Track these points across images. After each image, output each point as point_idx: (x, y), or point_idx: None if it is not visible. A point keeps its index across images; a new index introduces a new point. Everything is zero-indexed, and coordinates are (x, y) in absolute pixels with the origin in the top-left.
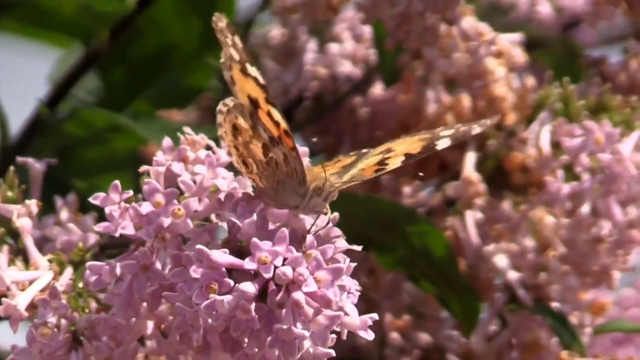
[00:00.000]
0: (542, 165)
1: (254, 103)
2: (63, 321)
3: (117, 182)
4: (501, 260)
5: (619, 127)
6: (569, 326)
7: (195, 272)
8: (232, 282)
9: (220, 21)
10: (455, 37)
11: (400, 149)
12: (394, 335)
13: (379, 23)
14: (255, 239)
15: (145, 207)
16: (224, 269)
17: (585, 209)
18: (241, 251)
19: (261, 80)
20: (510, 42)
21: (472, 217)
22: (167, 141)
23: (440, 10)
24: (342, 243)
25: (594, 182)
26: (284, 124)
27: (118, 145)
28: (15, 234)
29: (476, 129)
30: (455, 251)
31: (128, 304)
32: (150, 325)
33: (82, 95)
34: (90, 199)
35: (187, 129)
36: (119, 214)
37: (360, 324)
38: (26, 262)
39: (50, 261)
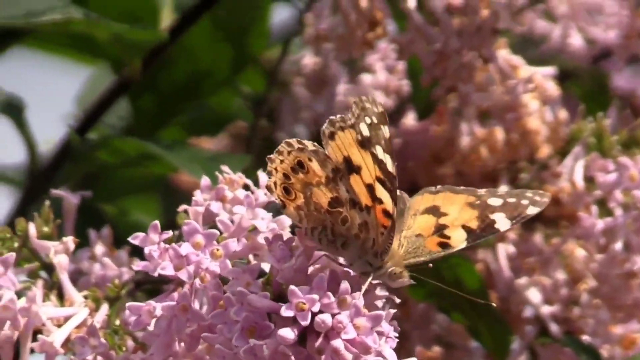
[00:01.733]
0: (575, 200)
1: (351, 167)
2: (99, 359)
3: (156, 222)
4: (533, 293)
5: None
6: (600, 359)
7: (236, 314)
8: (272, 326)
9: (369, 103)
10: (490, 71)
11: (454, 216)
12: None
13: (413, 54)
14: (292, 287)
15: (185, 248)
16: (264, 313)
17: (618, 245)
18: (283, 293)
19: (390, 167)
20: (544, 75)
21: (504, 250)
22: (205, 180)
23: (477, 47)
24: (382, 291)
25: (627, 218)
26: (389, 206)
27: (148, 172)
28: (49, 268)
29: (530, 209)
30: (487, 284)
31: (166, 345)
32: None
33: (112, 120)
34: (130, 239)
35: (225, 168)
36: (158, 254)
37: None
38: (60, 296)
39: (85, 297)
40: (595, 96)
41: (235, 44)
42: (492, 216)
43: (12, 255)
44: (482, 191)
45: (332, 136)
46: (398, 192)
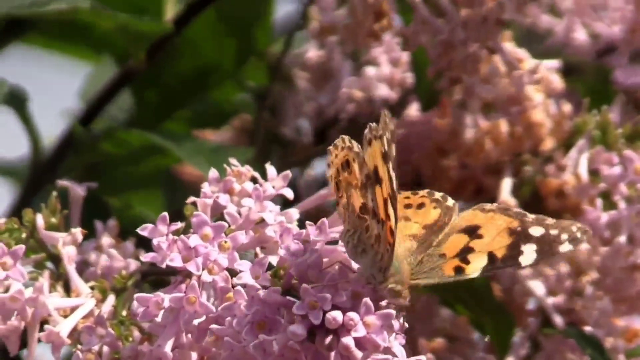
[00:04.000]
0: (580, 193)
1: (377, 178)
2: (105, 349)
3: (165, 214)
4: (536, 285)
5: None
6: (603, 351)
7: (246, 308)
8: (282, 321)
9: (389, 121)
10: (494, 63)
11: (487, 241)
12: (429, 357)
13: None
14: (305, 286)
15: (194, 240)
16: (275, 307)
17: (622, 238)
18: (293, 286)
19: (395, 185)
20: (548, 68)
21: None
22: (213, 172)
23: (483, 39)
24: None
25: (631, 211)
26: (392, 223)
27: (151, 164)
28: (55, 259)
29: (565, 246)
30: (490, 275)
31: (174, 336)
32: (194, 356)
33: (114, 112)
34: (139, 230)
35: (233, 161)
36: (167, 245)
37: None
38: (66, 287)
39: (92, 288)
40: (598, 91)
41: (240, 37)
42: (523, 247)
43: (21, 248)
44: (531, 217)
45: (369, 143)
46: (451, 202)
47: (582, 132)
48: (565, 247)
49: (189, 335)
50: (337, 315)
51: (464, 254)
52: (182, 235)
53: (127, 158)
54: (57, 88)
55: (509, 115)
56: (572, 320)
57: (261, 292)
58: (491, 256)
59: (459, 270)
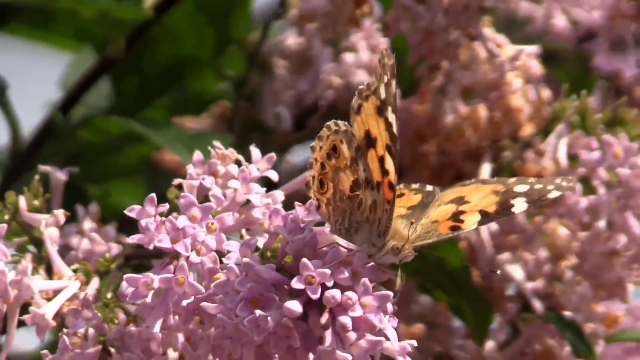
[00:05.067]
0: None
1: (369, 141)
2: (91, 331)
3: (153, 195)
4: (515, 270)
5: (635, 141)
6: (582, 336)
7: (240, 285)
8: (276, 298)
9: (388, 58)
10: (474, 49)
11: (475, 202)
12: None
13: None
14: (304, 260)
15: (182, 221)
16: (269, 284)
17: (602, 222)
18: (284, 266)
19: (395, 129)
20: (528, 54)
21: (486, 227)
22: (197, 155)
23: (464, 25)
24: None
25: (611, 196)
26: (393, 177)
27: (131, 152)
28: (37, 243)
29: (553, 192)
30: (469, 261)
31: (162, 317)
32: (180, 338)
33: (94, 99)
34: (126, 211)
35: (217, 143)
36: (155, 227)
37: (399, 350)
38: (49, 271)
39: (75, 271)
40: (579, 78)
41: (218, 26)
42: (513, 201)
43: (2, 227)
44: (512, 180)
45: (358, 110)
46: (430, 187)
47: (560, 118)
48: (555, 194)
49: (176, 317)
50: (336, 293)
51: (456, 216)
52: (170, 216)
53: (106, 146)
54: (37, 79)
55: (488, 100)
56: (551, 305)
57: (258, 269)
58: (483, 213)
59: (454, 228)
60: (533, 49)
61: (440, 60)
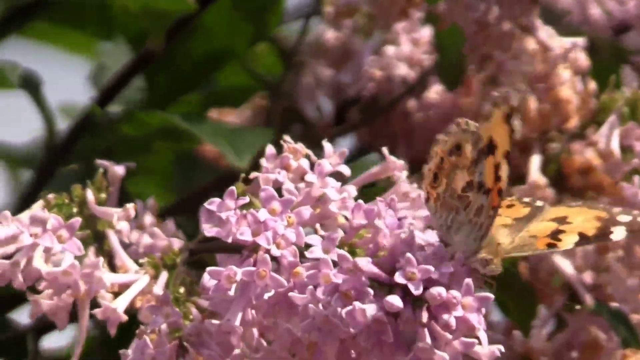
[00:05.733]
0: (612, 169)
1: (490, 147)
2: (164, 327)
3: (233, 188)
4: (563, 262)
5: None
6: (630, 326)
7: (336, 276)
8: (371, 292)
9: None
10: (524, 40)
11: (576, 224)
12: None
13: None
14: (409, 255)
15: (263, 214)
16: (365, 278)
17: None
18: (376, 262)
19: (516, 134)
20: (576, 46)
21: None
22: (270, 149)
23: (517, 16)
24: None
25: None
26: (504, 184)
27: (164, 148)
28: (100, 237)
29: None
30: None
31: (243, 310)
32: (255, 333)
33: (126, 94)
34: (206, 205)
35: (287, 138)
36: (235, 220)
37: (488, 354)
38: (110, 265)
39: (141, 265)
40: (611, 69)
41: (254, 24)
42: (613, 228)
43: (77, 220)
44: (617, 209)
45: (489, 116)
46: (540, 203)
47: (608, 110)
48: None
49: (253, 312)
50: (442, 291)
51: (555, 234)
52: (251, 209)
53: (141, 142)
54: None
55: (537, 92)
56: (598, 296)
57: (357, 261)
58: (582, 235)
59: (551, 245)
60: (580, 40)
61: (493, 51)
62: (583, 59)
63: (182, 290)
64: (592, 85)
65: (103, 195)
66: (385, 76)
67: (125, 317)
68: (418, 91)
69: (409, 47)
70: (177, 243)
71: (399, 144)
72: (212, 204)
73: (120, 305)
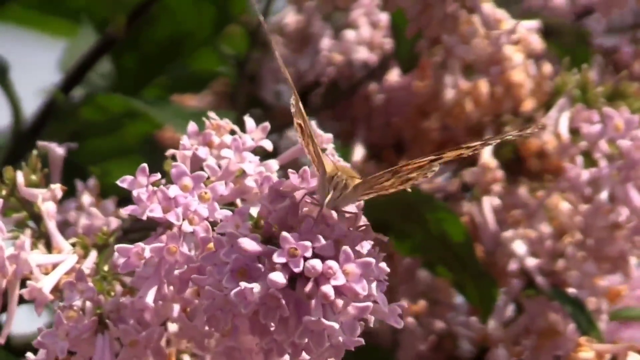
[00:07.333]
0: (561, 152)
1: None
2: (88, 304)
3: (144, 165)
4: (519, 246)
5: (636, 114)
6: (586, 312)
7: (226, 256)
8: (262, 268)
9: None
10: (474, 24)
11: None
12: (410, 321)
13: (397, 10)
14: (284, 233)
15: (173, 190)
16: (254, 255)
17: (603, 195)
18: (273, 235)
19: None
20: (528, 29)
21: (489, 203)
22: (192, 126)
23: None
24: (369, 232)
25: (612, 169)
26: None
27: (132, 131)
28: (37, 218)
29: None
30: (473, 237)
31: (156, 287)
32: (175, 308)
33: (95, 79)
34: (118, 182)
35: (211, 114)
36: (146, 196)
37: (389, 312)
38: (48, 246)
39: (73, 245)
40: (576, 53)
41: (218, 5)
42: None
43: None
44: None
45: None
46: None
47: (561, 92)
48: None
49: (171, 287)
50: (315, 263)
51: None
52: (161, 186)
53: (107, 125)
54: (29, 66)
55: (489, 75)
56: (555, 281)
57: (240, 240)
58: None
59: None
60: (533, 23)
61: (439, 34)
62: (536, 42)
63: (106, 268)
64: (547, 68)
65: (34, 177)
66: (345, 60)
67: (51, 297)
68: (379, 75)
69: (368, 30)
70: (114, 223)
71: (359, 127)
72: (124, 181)
73: (46, 285)
